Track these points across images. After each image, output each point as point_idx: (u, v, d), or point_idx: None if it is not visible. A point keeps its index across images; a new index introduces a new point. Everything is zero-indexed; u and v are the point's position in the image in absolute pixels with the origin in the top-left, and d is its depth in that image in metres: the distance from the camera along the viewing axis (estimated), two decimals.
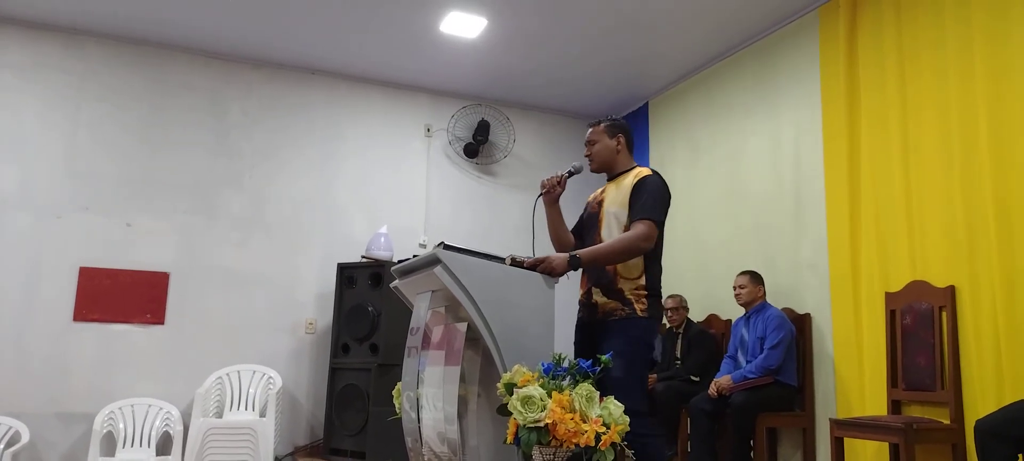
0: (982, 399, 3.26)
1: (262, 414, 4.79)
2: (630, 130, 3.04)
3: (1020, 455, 2.72)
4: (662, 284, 2.82)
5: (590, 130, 3.00)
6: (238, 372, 4.98)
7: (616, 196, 2.83)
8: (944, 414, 3.42)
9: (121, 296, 4.90)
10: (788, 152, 4.64)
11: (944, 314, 3.50)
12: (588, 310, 2.82)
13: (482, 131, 5.96)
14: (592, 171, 3.03)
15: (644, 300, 2.70)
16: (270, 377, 4.96)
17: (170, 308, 5.04)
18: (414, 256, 4.67)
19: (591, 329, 2.78)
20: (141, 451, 4.55)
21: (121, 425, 4.59)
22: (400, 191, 5.83)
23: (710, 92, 5.37)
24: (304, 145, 5.60)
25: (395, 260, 4.95)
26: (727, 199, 5.11)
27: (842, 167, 4.15)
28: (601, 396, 2.15)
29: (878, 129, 3.98)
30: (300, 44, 5.24)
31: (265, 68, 5.54)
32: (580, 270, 2.80)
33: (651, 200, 2.72)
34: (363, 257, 5.20)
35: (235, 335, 5.14)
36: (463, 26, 4.89)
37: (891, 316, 3.74)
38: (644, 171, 2.84)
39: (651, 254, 2.74)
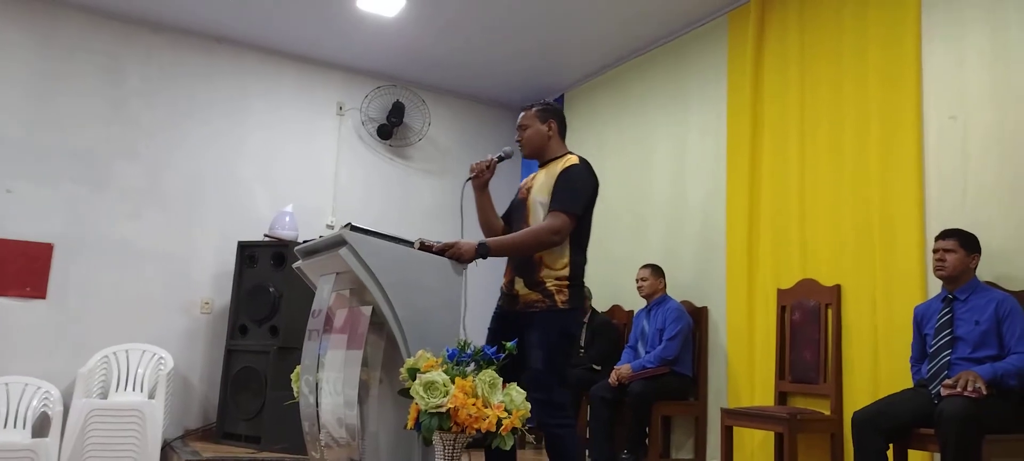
0: (860, 392, 3.49)
1: (151, 396, 4.56)
2: (563, 116, 2.99)
3: (891, 445, 2.92)
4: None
5: (522, 115, 2.94)
6: (126, 351, 4.72)
7: (544, 183, 2.79)
8: (825, 405, 3.63)
9: None
10: (693, 151, 4.79)
11: (830, 311, 3.71)
12: (509, 300, 2.78)
13: (396, 113, 5.87)
14: (524, 157, 2.97)
15: (565, 291, 2.67)
16: (161, 357, 4.73)
17: (53, 281, 4.73)
18: (320, 237, 4.58)
19: (510, 319, 2.75)
20: (15, 433, 4.24)
21: None
22: (308, 170, 5.66)
23: (623, 87, 5.48)
24: (207, 117, 5.34)
25: (300, 240, 4.80)
26: (633, 194, 5.24)
27: (743, 169, 4.32)
28: (504, 382, 2.16)
29: (778, 134, 4.17)
30: (206, 9, 4.98)
31: (167, 32, 5.25)
32: (506, 258, 2.79)
33: (569, 192, 2.70)
34: (266, 236, 5.02)
35: (124, 312, 4.87)
36: (381, 4, 4.79)
37: (782, 312, 3.94)
38: (572, 159, 2.81)
39: (576, 243, 2.72)
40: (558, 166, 2.80)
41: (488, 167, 2.89)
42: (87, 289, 4.80)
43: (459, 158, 6.19)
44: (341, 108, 5.83)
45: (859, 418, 2.92)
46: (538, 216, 2.76)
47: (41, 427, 4.35)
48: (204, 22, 5.19)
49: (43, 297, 4.69)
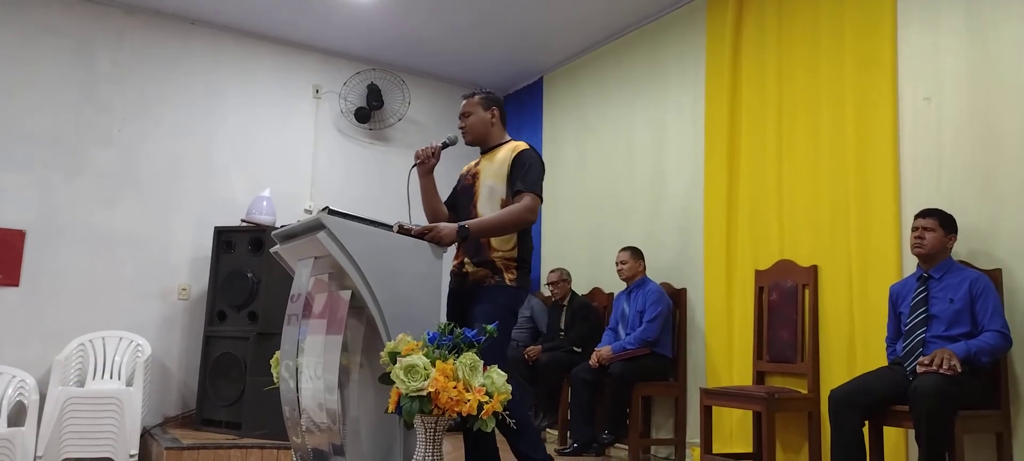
0: (836, 371, 3.54)
1: (129, 383, 4.51)
2: (503, 104, 3.06)
3: (867, 421, 2.97)
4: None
5: (464, 102, 3.00)
6: (103, 339, 4.66)
7: (491, 169, 2.86)
8: (803, 384, 3.68)
9: None
10: (672, 134, 4.80)
11: (807, 291, 3.75)
12: (459, 279, 2.84)
13: (375, 96, 5.81)
14: (466, 143, 3.03)
15: (514, 270, 2.75)
16: (138, 345, 4.67)
17: (26, 268, 4.65)
18: (298, 222, 4.54)
19: (461, 297, 2.82)
20: None
21: None
22: (285, 154, 5.60)
23: (602, 71, 5.47)
24: (182, 101, 5.26)
25: (278, 225, 4.75)
26: (613, 177, 5.25)
27: (721, 151, 4.34)
28: (484, 365, 2.15)
29: (756, 117, 4.19)
30: None
31: (140, 14, 5.15)
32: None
33: (534, 173, 2.78)
34: (243, 221, 4.97)
35: (100, 300, 4.80)
36: None
37: (759, 292, 3.97)
38: (520, 145, 2.87)
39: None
40: (505, 151, 2.87)
41: (433, 154, 2.93)
42: (61, 276, 4.73)
43: (438, 140, 6.13)
44: (318, 91, 5.76)
45: (836, 396, 2.96)
46: (488, 200, 2.81)
47: (17, 416, 4.29)
48: (178, 3, 5.09)
49: (16, 284, 4.62)
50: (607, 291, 4.99)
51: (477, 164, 2.97)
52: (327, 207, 2.54)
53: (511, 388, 2.18)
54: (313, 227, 2.49)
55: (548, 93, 5.99)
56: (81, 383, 4.49)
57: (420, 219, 2.85)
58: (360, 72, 5.79)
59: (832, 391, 3.00)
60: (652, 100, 5.00)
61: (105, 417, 4.23)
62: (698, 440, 3.86)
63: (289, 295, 2.70)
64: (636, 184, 5.04)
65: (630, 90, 5.19)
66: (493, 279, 2.72)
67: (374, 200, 5.76)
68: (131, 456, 4.23)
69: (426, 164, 2.94)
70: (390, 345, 2.21)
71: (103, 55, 5.02)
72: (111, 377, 4.56)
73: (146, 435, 4.50)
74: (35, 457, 4.09)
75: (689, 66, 4.69)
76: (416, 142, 6.10)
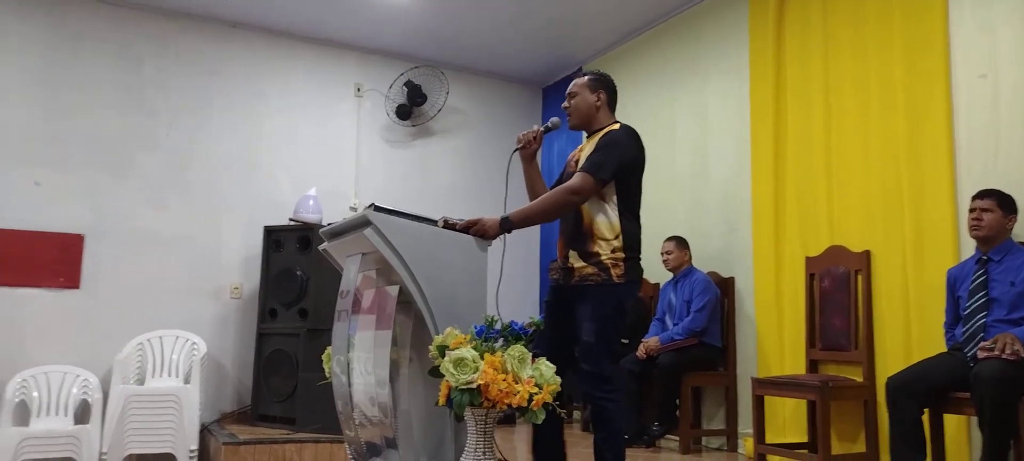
0: (892, 358, 3.45)
1: (186, 381, 4.64)
2: (614, 87, 2.89)
3: (926, 409, 2.89)
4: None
5: (572, 83, 2.85)
6: (160, 338, 4.80)
7: (587, 152, 2.72)
8: (857, 372, 3.60)
9: (31, 259, 4.65)
10: (715, 120, 4.73)
11: (859, 277, 3.66)
12: (563, 274, 2.73)
13: (415, 92, 5.86)
14: (570, 128, 2.89)
15: (621, 264, 2.61)
16: (194, 343, 4.81)
17: (85, 272, 4.81)
18: (344, 219, 4.60)
19: (565, 293, 2.71)
20: (58, 420, 4.36)
21: (35, 393, 4.38)
22: (329, 153, 5.69)
23: (641, 59, 5.42)
24: (225, 103, 5.38)
25: (324, 223, 4.84)
26: (655, 166, 5.14)
27: (767, 136, 4.26)
28: (533, 357, 2.16)
29: (802, 100, 4.10)
30: None
31: (182, 19, 5.27)
32: (559, 230, 2.76)
33: (599, 154, 2.63)
34: (291, 220, 5.07)
35: (156, 300, 4.95)
36: None
37: (810, 279, 3.90)
38: (613, 126, 2.75)
39: (626, 212, 2.66)
40: (600, 134, 2.75)
41: (535, 138, 2.81)
42: (119, 278, 4.89)
43: (479, 135, 6.19)
44: (359, 89, 5.83)
45: (893, 383, 2.89)
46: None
47: (82, 414, 4.46)
48: (218, 7, 5.20)
49: (77, 287, 4.79)
50: (652, 281, 4.95)
51: (580, 149, 2.83)
52: (373, 204, 2.57)
53: (613, 396, 2.11)
54: (360, 224, 2.52)
55: None
56: (141, 381, 4.64)
57: (518, 204, 2.71)
58: (401, 69, 5.83)
59: (889, 378, 2.93)
60: (693, 87, 4.93)
61: (165, 414, 4.37)
62: (750, 430, 3.80)
63: (338, 291, 2.75)
64: (678, 173, 4.98)
65: (670, 77, 5.13)
66: (599, 277, 2.59)
67: (417, 195, 5.82)
68: (191, 451, 4.36)
69: (527, 149, 2.82)
70: (438, 339, 2.23)
71: (148, 60, 5.16)
72: (169, 375, 4.70)
73: (204, 431, 4.63)
74: (100, 453, 4.24)
75: (731, 51, 4.62)
76: (456, 137, 6.15)
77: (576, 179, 2.61)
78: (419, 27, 5.45)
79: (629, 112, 5.45)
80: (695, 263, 4.50)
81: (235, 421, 4.88)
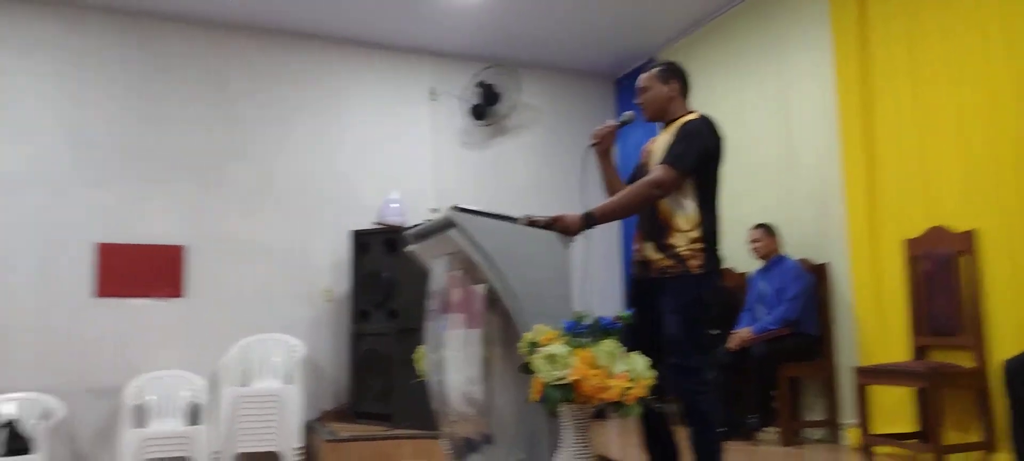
0: (1006, 341, 3.25)
1: (287, 381, 4.85)
2: (686, 75, 2.85)
3: None
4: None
5: (641, 76, 2.83)
6: (260, 341, 5.02)
7: (662, 144, 2.70)
8: (966, 358, 3.41)
9: (139, 271, 4.95)
10: (799, 102, 4.57)
11: (962, 259, 3.47)
12: (641, 267, 2.73)
13: (488, 92, 5.90)
14: (645, 121, 2.86)
15: (699, 255, 2.58)
16: (292, 345, 5.01)
17: (188, 281, 5.09)
18: (426, 220, 4.69)
19: (645, 287, 2.70)
20: (172, 422, 4.63)
21: (151, 397, 4.66)
22: (407, 156, 5.80)
23: (717, 44, 5.28)
24: (307, 113, 5.56)
25: (407, 225, 4.94)
26: (738, 152, 5.01)
27: (855, 115, 4.09)
28: (626, 351, 2.15)
29: (891, 73, 3.91)
30: (298, 9, 5.17)
31: (263, 34, 5.48)
32: (636, 224, 2.75)
33: (680, 146, 2.60)
34: (376, 224, 5.21)
35: (254, 305, 5.18)
36: None
37: (910, 263, 3.71)
38: (691, 116, 2.71)
39: (704, 203, 2.63)
40: (677, 125, 2.71)
41: (610, 133, 2.81)
42: (218, 285, 5.14)
43: (554, 132, 6.18)
44: (433, 93, 5.92)
45: (1012, 367, 2.72)
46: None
47: (193, 416, 4.72)
48: (296, 22, 5.38)
49: (180, 295, 5.06)
50: (739, 271, 4.82)
51: (654, 140, 2.82)
52: (456, 204, 2.61)
53: (703, 388, 2.09)
54: (444, 225, 2.57)
55: None
56: (245, 383, 4.87)
57: (594, 201, 2.71)
58: (472, 69, 5.89)
59: (1007, 361, 2.76)
60: (773, 69, 4.78)
61: (270, 414, 4.58)
62: (853, 421, 3.67)
63: (425, 291, 2.81)
64: (761, 158, 4.83)
65: (748, 61, 4.99)
66: (677, 269, 2.58)
67: (494, 194, 5.86)
68: (295, 449, 4.56)
69: (603, 145, 2.81)
70: (528, 335, 2.25)
71: (233, 76, 5.39)
72: (271, 376, 4.91)
73: (307, 429, 4.81)
74: (211, 453, 4.48)
75: (811, 29, 4.45)
76: (530, 134, 6.17)
77: (658, 172, 2.58)
78: (490, 27, 5.49)
79: (706, 99, 5.31)
80: (785, 250, 4.36)
81: (335, 419, 5.05)
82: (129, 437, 4.40)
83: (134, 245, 4.97)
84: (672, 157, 2.59)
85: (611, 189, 2.86)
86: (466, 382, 2.58)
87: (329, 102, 5.63)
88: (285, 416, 4.59)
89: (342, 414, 5.11)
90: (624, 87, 6.27)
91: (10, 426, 4.23)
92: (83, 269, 4.84)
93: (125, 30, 5.13)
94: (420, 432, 4.29)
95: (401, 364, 4.42)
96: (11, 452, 4.13)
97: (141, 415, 4.61)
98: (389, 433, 4.37)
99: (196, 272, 5.11)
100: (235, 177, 5.32)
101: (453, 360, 2.68)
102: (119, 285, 4.89)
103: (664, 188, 2.58)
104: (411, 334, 4.36)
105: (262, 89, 5.46)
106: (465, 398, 2.60)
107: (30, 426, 4.27)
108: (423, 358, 2.88)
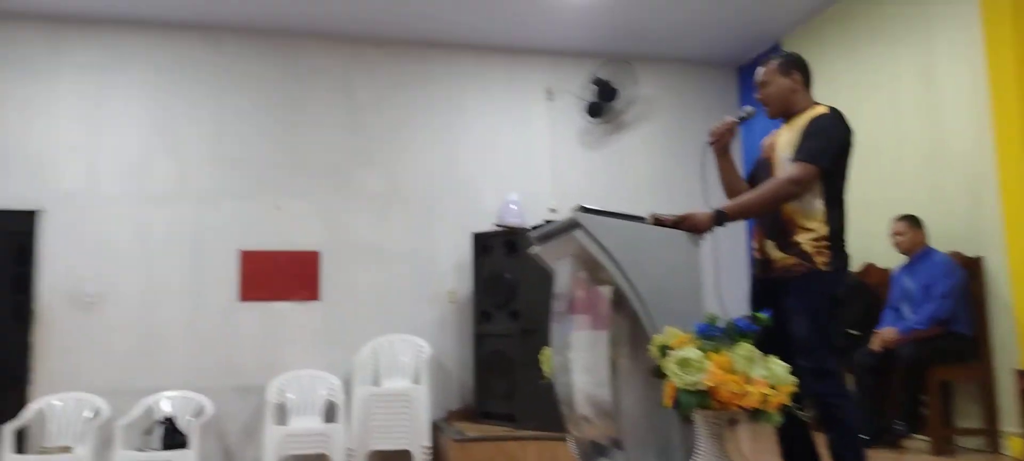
0: None
1: (415, 381, 5.00)
2: (807, 66, 2.74)
3: None
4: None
5: (761, 70, 2.74)
6: (389, 342, 5.21)
7: (788, 139, 2.61)
8: None
9: (279, 276, 5.26)
10: (945, 84, 4.22)
11: None
12: (763, 266, 2.64)
13: (605, 89, 5.84)
14: (768, 116, 2.76)
15: (826, 252, 2.48)
16: (419, 345, 5.16)
17: (322, 284, 5.35)
18: (546, 221, 4.70)
19: (768, 287, 2.61)
20: (311, 419, 4.89)
21: (291, 395, 4.94)
22: (526, 157, 5.84)
23: (851, 22, 4.96)
24: (428, 118, 5.71)
25: (527, 226, 4.98)
26: (875, 141, 4.72)
27: (1011, 96, 3.73)
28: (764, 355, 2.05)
29: None
30: (417, 19, 5.32)
31: (387, 45, 5.68)
32: (754, 222, 2.67)
33: (813, 141, 2.50)
34: (496, 225, 5.27)
35: (383, 307, 5.38)
36: None
37: None
38: (820, 109, 2.60)
39: (831, 200, 2.52)
40: (804, 118, 2.60)
41: (728, 130, 2.72)
42: (350, 288, 5.38)
43: (674, 126, 6.03)
44: (550, 92, 5.92)
45: None
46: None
47: (329, 413, 4.96)
48: (416, 31, 5.54)
49: (316, 299, 5.33)
50: (881, 266, 4.52)
51: (776, 135, 2.73)
52: (581, 205, 2.58)
53: (839, 391, 2.01)
54: (569, 226, 2.55)
55: None
56: (376, 382, 5.06)
57: (715, 200, 2.68)
58: (587, 66, 5.84)
59: None
60: (915, 49, 4.44)
61: (400, 412, 4.75)
62: (1016, 429, 3.35)
63: (548, 293, 2.80)
64: (905, 145, 4.50)
65: (886, 41, 4.66)
66: (803, 267, 2.49)
67: (615, 191, 5.80)
68: (424, 447, 4.69)
69: (721, 142, 2.73)
70: (659, 338, 2.19)
71: (359, 85, 5.63)
72: (400, 376, 5.08)
73: (435, 427, 4.95)
74: (347, 449, 4.69)
75: (957, 2, 4.09)
76: (649, 130, 6.05)
77: (796, 168, 2.48)
78: (605, 22, 5.42)
79: (841, 85, 5.03)
80: (932, 243, 4.05)
81: (460, 418, 5.16)
82: (272, 433, 4.68)
83: (274, 252, 5.29)
84: (808, 153, 2.49)
85: (730, 188, 2.78)
86: (593, 384, 2.56)
87: (449, 107, 5.77)
88: (415, 415, 4.74)
89: (467, 414, 5.21)
90: (747, 75, 6.02)
91: (168, 422, 4.59)
92: (228, 275, 5.20)
93: (261, 49, 5.48)
94: (545, 433, 4.31)
95: (524, 365, 4.47)
96: (169, 447, 4.49)
97: (282, 412, 4.89)
98: (514, 434, 4.42)
99: (329, 276, 5.37)
100: (363, 183, 5.54)
101: (579, 362, 2.66)
102: (261, 289, 5.22)
103: (802, 185, 2.49)
104: (533, 335, 4.40)
105: (386, 97, 5.67)
106: (591, 401, 2.58)
107: (185, 422, 4.62)
108: (549, 360, 2.88)
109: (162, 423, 4.60)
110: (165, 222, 5.16)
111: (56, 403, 4.63)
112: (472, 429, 4.67)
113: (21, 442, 4.52)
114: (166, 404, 4.76)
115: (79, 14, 5.09)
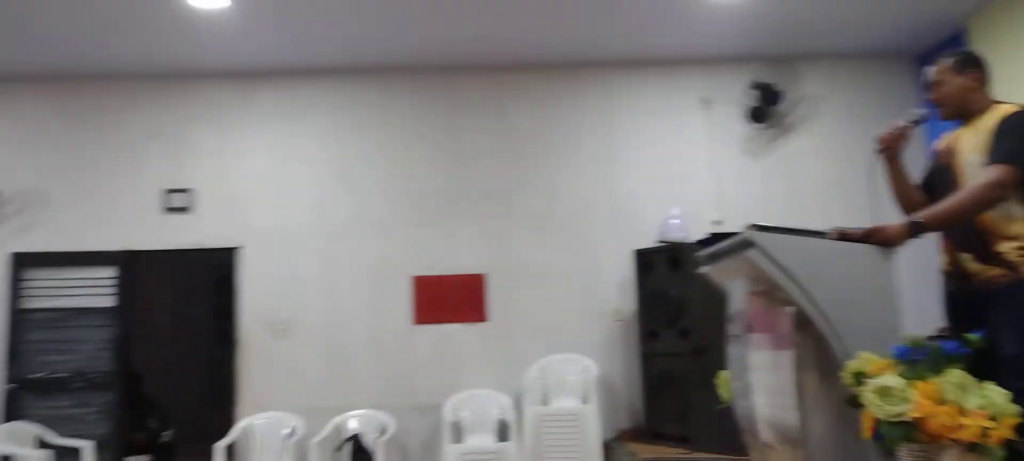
0: None
1: (584, 401, 5.02)
2: (985, 62, 2.56)
3: None
4: None
5: (933, 70, 2.57)
6: (556, 361, 5.27)
7: (973, 141, 2.42)
8: None
9: (449, 299, 5.49)
10: None
11: None
12: (959, 281, 2.46)
13: (766, 92, 5.58)
14: (941, 119, 2.59)
15: None
16: (586, 365, 5.18)
17: (490, 306, 5.52)
18: (711, 235, 4.56)
19: (967, 303, 2.43)
20: (485, 438, 5.05)
21: (465, 414, 5.14)
22: (684, 169, 5.71)
23: None
24: (584, 137, 5.74)
25: (689, 240, 4.86)
26: None
27: None
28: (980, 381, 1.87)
29: None
30: (567, 41, 5.38)
31: (537, 70, 5.78)
32: (940, 235, 2.48)
33: (1009, 141, 2.31)
34: (658, 241, 5.19)
35: (549, 327, 5.46)
36: None
37: None
38: (1009, 108, 2.41)
39: None
40: (989, 119, 2.41)
41: (900, 135, 2.55)
42: (516, 309, 5.51)
43: (846, 127, 5.65)
44: (706, 101, 5.76)
45: None
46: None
47: (501, 432, 5.09)
48: (567, 52, 5.59)
49: (484, 320, 5.51)
50: None
51: (956, 138, 2.55)
52: (754, 223, 2.49)
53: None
54: (741, 246, 2.47)
55: (977, 45, 5.03)
56: (545, 402, 5.13)
57: (887, 212, 2.54)
58: (745, 69, 5.62)
59: None
60: None
61: (571, 431, 4.79)
62: None
63: (718, 310, 2.72)
64: None
65: None
66: (1008, 277, 2.31)
67: (784, 199, 5.55)
68: None
69: (892, 149, 2.59)
70: (853, 364, 2.07)
71: (516, 110, 5.78)
72: (568, 396, 5.12)
73: (606, 448, 4.94)
74: None
75: None
76: (818, 133, 5.71)
77: (996, 171, 2.30)
78: (760, 24, 5.20)
79: None
80: None
81: (631, 439, 5.10)
82: (449, 451, 4.88)
83: (443, 276, 5.54)
84: (1006, 154, 2.30)
85: (904, 198, 2.61)
86: (777, 409, 2.45)
87: (603, 124, 5.78)
88: (585, 435, 4.76)
89: (638, 434, 5.14)
90: (926, 65, 5.51)
91: (355, 439, 4.92)
92: (403, 299, 5.50)
93: (423, 86, 5.78)
94: (722, 457, 4.17)
95: (696, 385, 4.36)
96: None
97: (458, 430, 5.08)
98: (690, 456, 4.31)
99: (497, 297, 5.54)
100: (524, 205, 5.68)
101: (761, 385, 2.56)
102: (433, 312, 5.48)
103: (1002, 189, 2.31)
104: (704, 354, 4.30)
105: (541, 119, 5.78)
106: (776, 427, 2.47)
107: (370, 440, 4.93)
108: (726, 384, 2.79)
109: (349, 440, 4.94)
110: (345, 253, 5.56)
111: (259, 421, 5.10)
112: (645, 450, 4.61)
113: (231, 458, 5.02)
114: (354, 422, 5.10)
115: (265, 69, 5.63)
